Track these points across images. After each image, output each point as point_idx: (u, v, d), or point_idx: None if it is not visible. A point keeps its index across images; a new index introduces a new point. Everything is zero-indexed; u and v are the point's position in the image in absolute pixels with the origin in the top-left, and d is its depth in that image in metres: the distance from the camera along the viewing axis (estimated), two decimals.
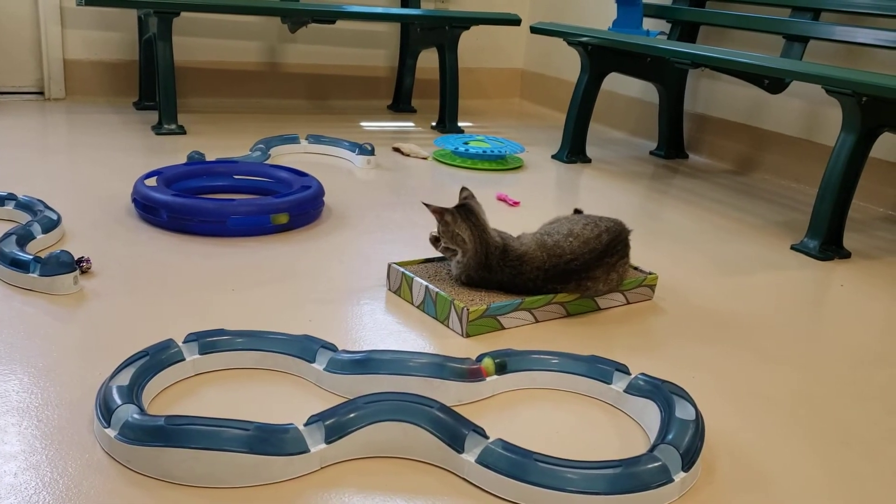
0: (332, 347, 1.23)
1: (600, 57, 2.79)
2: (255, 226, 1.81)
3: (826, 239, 1.99)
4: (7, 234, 1.57)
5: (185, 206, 1.78)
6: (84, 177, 2.19)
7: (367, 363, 1.18)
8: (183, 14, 2.76)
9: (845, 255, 2.00)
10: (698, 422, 1.07)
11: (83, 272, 1.52)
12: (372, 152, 2.54)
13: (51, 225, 1.68)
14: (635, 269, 1.66)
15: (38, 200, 1.79)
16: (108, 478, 0.95)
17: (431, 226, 1.54)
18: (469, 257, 1.48)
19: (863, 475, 1.08)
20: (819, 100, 2.63)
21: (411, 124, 3.32)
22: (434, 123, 3.30)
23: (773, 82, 2.49)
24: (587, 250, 1.47)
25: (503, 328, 1.43)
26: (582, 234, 1.49)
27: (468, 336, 1.39)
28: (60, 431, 1.03)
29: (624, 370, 1.22)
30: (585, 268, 1.47)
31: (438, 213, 1.50)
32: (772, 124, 2.84)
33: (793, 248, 2.04)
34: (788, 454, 1.11)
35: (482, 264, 1.48)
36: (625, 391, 1.19)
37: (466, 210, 1.50)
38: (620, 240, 1.53)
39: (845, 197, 1.98)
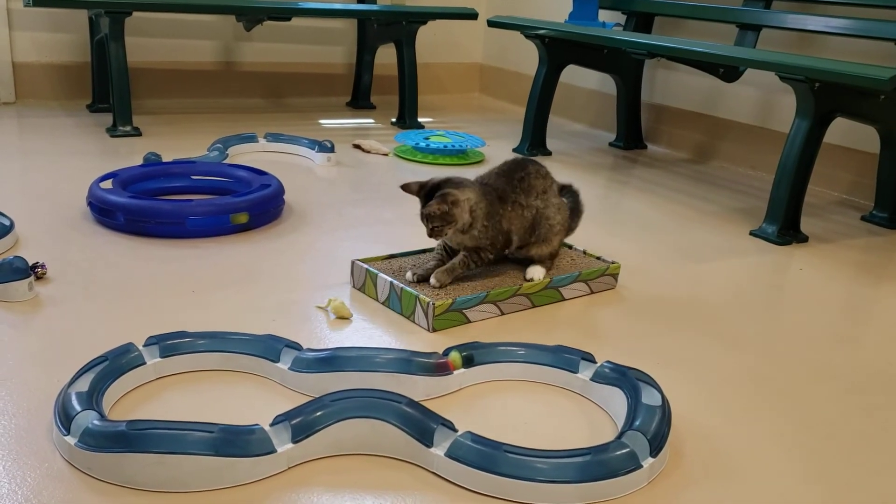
0: (296, 346, 1.21)
1: (557, 49, 2.80)
2: (214, 226, 1.78)
3: (784, 224, 2.02)
4: None
5: (143, 207, 1.74)
6: (37, 181, 2.14)
7: (332, 361, 1.17)
8: (135, 13, 2.71)
9: (803, 239, 2.04)
10: (665, 407, 1.07)
11: (38, 278, 1.49)
12: (332, 149, 2.52)
13: (3, 231, 1.64)
14: (598, 258, 1.66)
15: None
16: (68, 486, 0.92)
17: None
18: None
19: (825, 454, 1.10)
20: (773, 87, 2.67)
21: (371, 121, 3.31)
22: (394, 119, 3.28)
23: (727, 71, 2.52)
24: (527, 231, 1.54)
25: (469, 321, 1.43)
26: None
27: (434, 330, 1.38)
28: (18, 441, 1.00)
29: (590, 359, 1.23)
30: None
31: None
32: (727, 113, 2.87)
33: (752, 233, 2.06)
34: (753, 436, 1.13)
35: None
36: (591, 379, 1.20)
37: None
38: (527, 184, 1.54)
39: (801, 182, 2.01)
